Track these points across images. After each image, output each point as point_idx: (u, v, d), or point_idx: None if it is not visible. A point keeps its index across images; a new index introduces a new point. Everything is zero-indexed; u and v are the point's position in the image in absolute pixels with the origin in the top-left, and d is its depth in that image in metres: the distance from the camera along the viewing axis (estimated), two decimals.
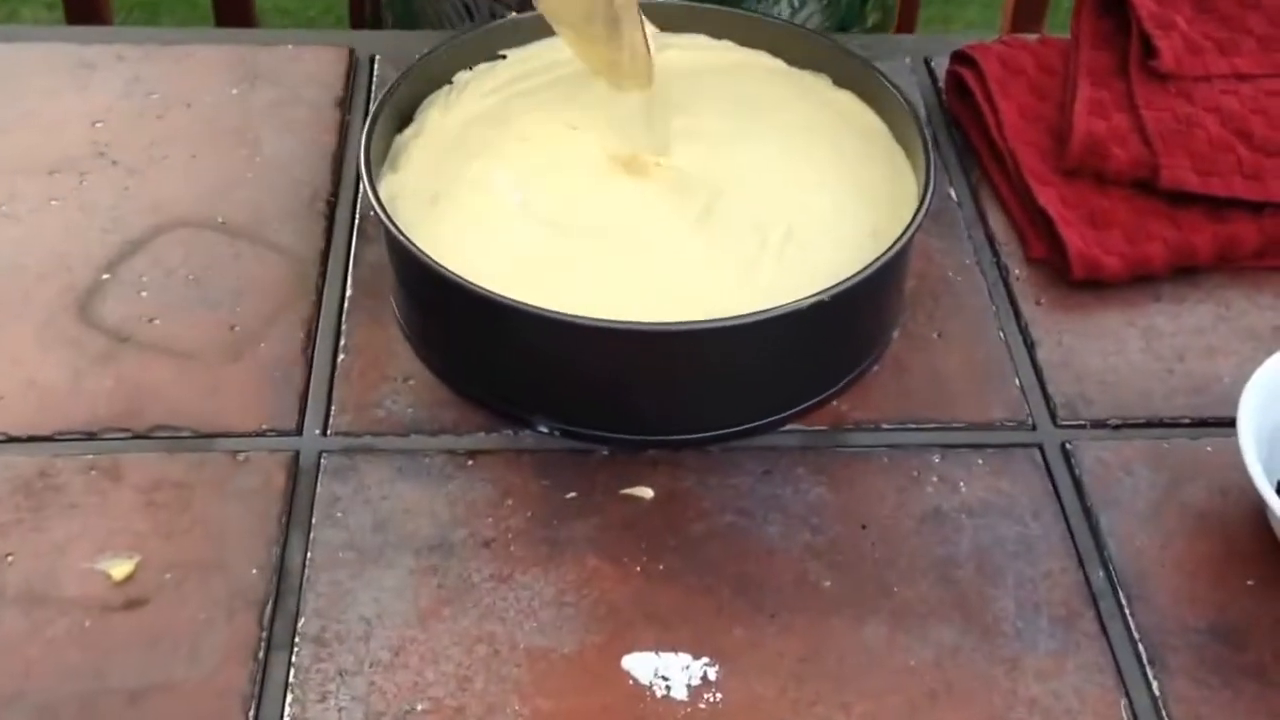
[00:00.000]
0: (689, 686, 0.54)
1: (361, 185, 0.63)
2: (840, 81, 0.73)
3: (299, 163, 0.76)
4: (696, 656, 0.55)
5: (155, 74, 0.81)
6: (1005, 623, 0.56)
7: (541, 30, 0.72)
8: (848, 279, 0.59)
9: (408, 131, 0.69)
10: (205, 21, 1.30)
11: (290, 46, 0.83)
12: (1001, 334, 0.68)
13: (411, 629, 0.55)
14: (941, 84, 0.83)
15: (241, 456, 0.61)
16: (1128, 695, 0.54)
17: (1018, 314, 0.70)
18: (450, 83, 0.72)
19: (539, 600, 0.56)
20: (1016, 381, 0.66)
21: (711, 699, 0.54)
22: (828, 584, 0.58)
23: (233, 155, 0.76)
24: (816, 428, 0.64)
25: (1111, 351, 0.68)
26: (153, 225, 0.72)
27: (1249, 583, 0.58)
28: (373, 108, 0.67)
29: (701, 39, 0.75)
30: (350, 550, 0.58)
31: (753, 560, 0.58)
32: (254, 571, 0.57)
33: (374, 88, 0.81)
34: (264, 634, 0.55)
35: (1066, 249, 0.70)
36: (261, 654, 0.54)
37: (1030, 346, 0.68)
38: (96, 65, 0.81)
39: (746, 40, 0.75)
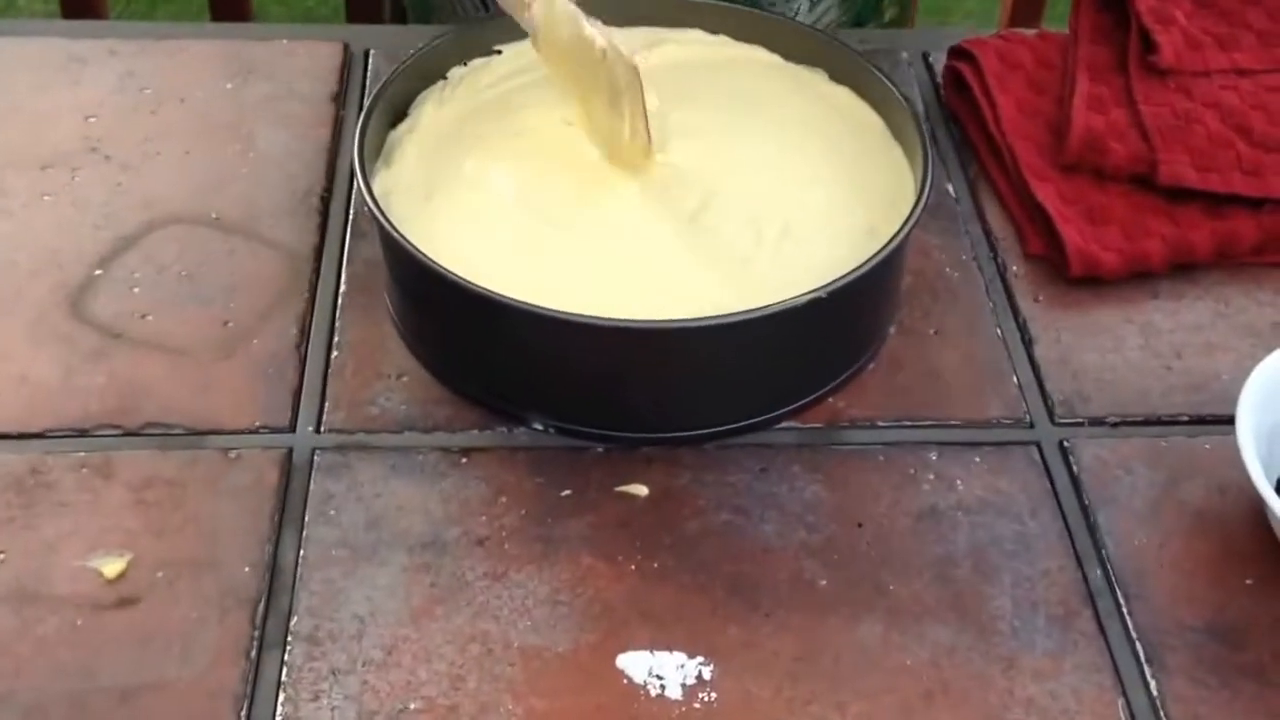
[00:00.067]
0: (683, 686, 0.54)
1: (355, 181, 0.63)
2: (837, 77, 0.72)
3: (293, 158, 0.75)
4: (691, 655, 0.55)
5: (148, 69, 0.81)
6: (1002, 622, 0.56)
7: None
8: (844, 276, 0.59)
9: (402, 127, 0.69)
10: (202, 15, 1.29)
11: (284, 41, 0.83)
12: (999, 331, 0.68)
13: (405, 627, 0.55)
14: (939, 79, 0.83)
15: (234, 454, 0.61)
16: (1125, 695, 0.54)
17: (1015, 311, 0.69)
18: (445, 78, 0.72)
19: (533, 599, 0.56)
20: (1014, 379, 0.66)
21: (706, 698, 0.53)
22: (823, 583, 0.57)
23: (226, 150, 0.76)
24: (812, 425, 0.63)
25: (1109, 349, 0.67)
26: (145, 221, 0.71)
27: (1247, 582, 0.58)
28: (367, 103, 0.67)
29: (697, 34, 0.74)
30: (343, 548, 0.58)
31: (748, 559, 0.58)
32: (246, 569, 0.57)
33: (369, 82, 0.81)
34: (256, 632, 0.55)
35: (1064, 245, 0.70)
36: (254, 653, 0.54)
37: (1028, 343, 0.68)
38: (89, 60, 0.81)
39: (743, 35, 0.74)
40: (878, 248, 0.60)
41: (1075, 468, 0.62)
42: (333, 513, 0.59)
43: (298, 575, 0.57)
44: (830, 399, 0.64)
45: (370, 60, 0.82)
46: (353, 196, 0.73)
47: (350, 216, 0.72)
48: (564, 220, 0.64)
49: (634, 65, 0.63)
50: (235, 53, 0.82)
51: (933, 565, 0.58)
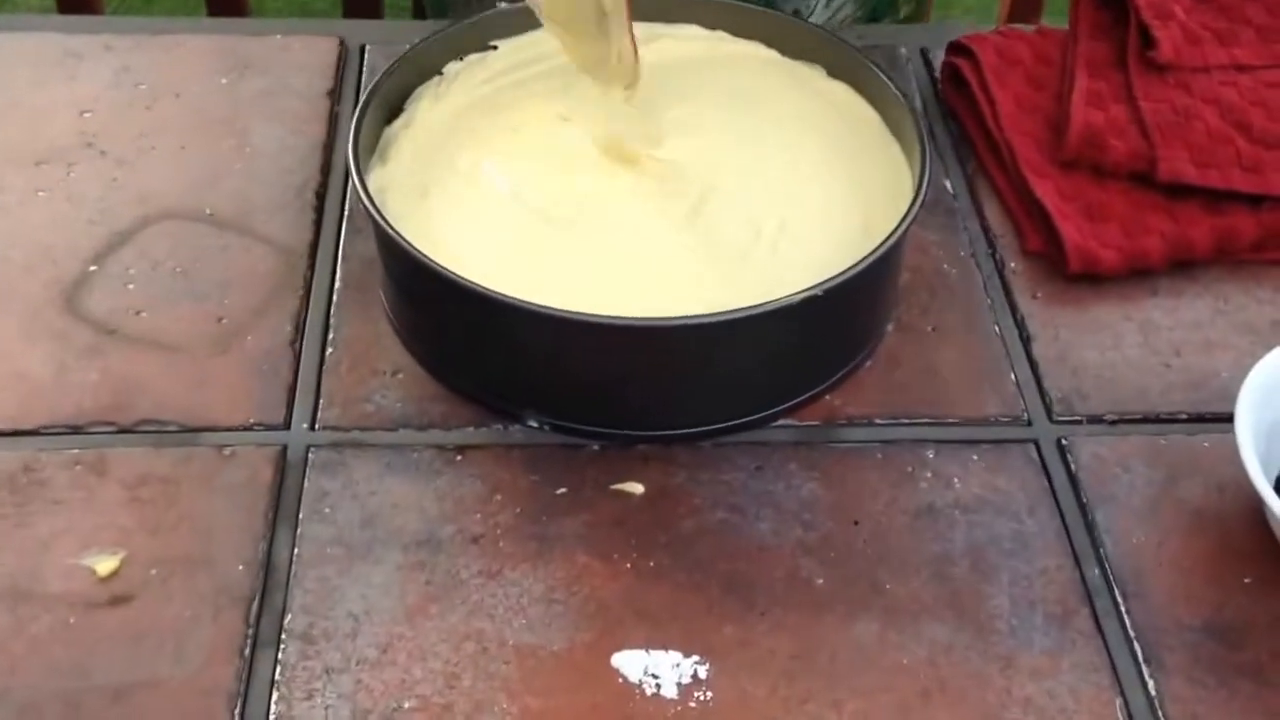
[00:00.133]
0: (679, 685, 0.53)
1: (350, 177, 0.63)
2: (835, 73, 0.72)
3: (288, 154, 0.75)
4: (687, 654, 0.54)
5: (144, 64, 0.80)
6: (999, 620, 0.56)
7: (533, 21, 0.71)
8: (841, 273, 0.58)
9: (397, 123, 0.69)
10: (198, 10, 1.29)
11: (280, 36, 0.83)
12: (997, 328, 0.68)
13: (399, 626, 0.55)
14: (938, 74, 0.82)
15: (228, 451, 0.61)
16: (1123, 694, 0.54)
17: (1013, 308, 0.69)
18: (441, 73, 0.71)
19: (528, 597, 0.56)
20: (1012, 376, 0.66)
21: (701, 697, 0.53)
22: (820, 581, 0.57)
23: (221, 146, 0.75)
24: (809, 423, 0.63)
25: (1108, 346, 0.67)
26: (140, 216, 0.71)
27: (1246, 580, 0.58)
28: (362, 98, 0.66)
29: (695, 30, 0.74)
30: (338, 546, 0.57)
31: (744, 557, 0.58)
32: (240, 567, 0.56)
33: (364, 78, 0.81)
34: (250, 631, 0.54)
35: (1063, 242, 0.69)
36: (247, 651, 0.54)
37: (1026, 341, 0.67)
38: (84, 55, 0.81)
39: (740, 31, 0.74)
40: (875, 245, 0.60)
41: (1073, 466, 0.62)
42: (327, 510, 0.59)
43: (292, 573, 0.56)
44: (827, 397, 0.64)
45: (366, 56, 0.82)
46: (348, 192, 0.73)
47: (345, 213, 0.72)
48: (560, 217, 0.64)
49: None
50: (231, 48, 0.82)
51: (930, 564, 0.58)
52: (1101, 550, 0.59)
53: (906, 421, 0.63)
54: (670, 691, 0.53)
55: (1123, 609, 0.57)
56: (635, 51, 0.64)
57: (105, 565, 0.56)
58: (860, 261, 0.59)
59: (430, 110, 0.69)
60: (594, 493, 0.60)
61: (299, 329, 0.66)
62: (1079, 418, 0.64)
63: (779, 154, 0.68)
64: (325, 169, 0.74)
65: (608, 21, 0.64)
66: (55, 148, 0.75)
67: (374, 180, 0.65)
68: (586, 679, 0.53)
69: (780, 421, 0.63)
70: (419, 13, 1.18)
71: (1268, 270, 0.71)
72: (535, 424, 0.62)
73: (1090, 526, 0.59)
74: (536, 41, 0.72)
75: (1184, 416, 0.64)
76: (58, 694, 0.52)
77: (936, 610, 0.56)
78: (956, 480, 0.61)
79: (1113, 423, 0.64)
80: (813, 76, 0.72)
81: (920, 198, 0.62)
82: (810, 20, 0.87)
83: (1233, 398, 0.57)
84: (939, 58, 0.82)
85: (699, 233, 0.63)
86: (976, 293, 0.70)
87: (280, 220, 0.71)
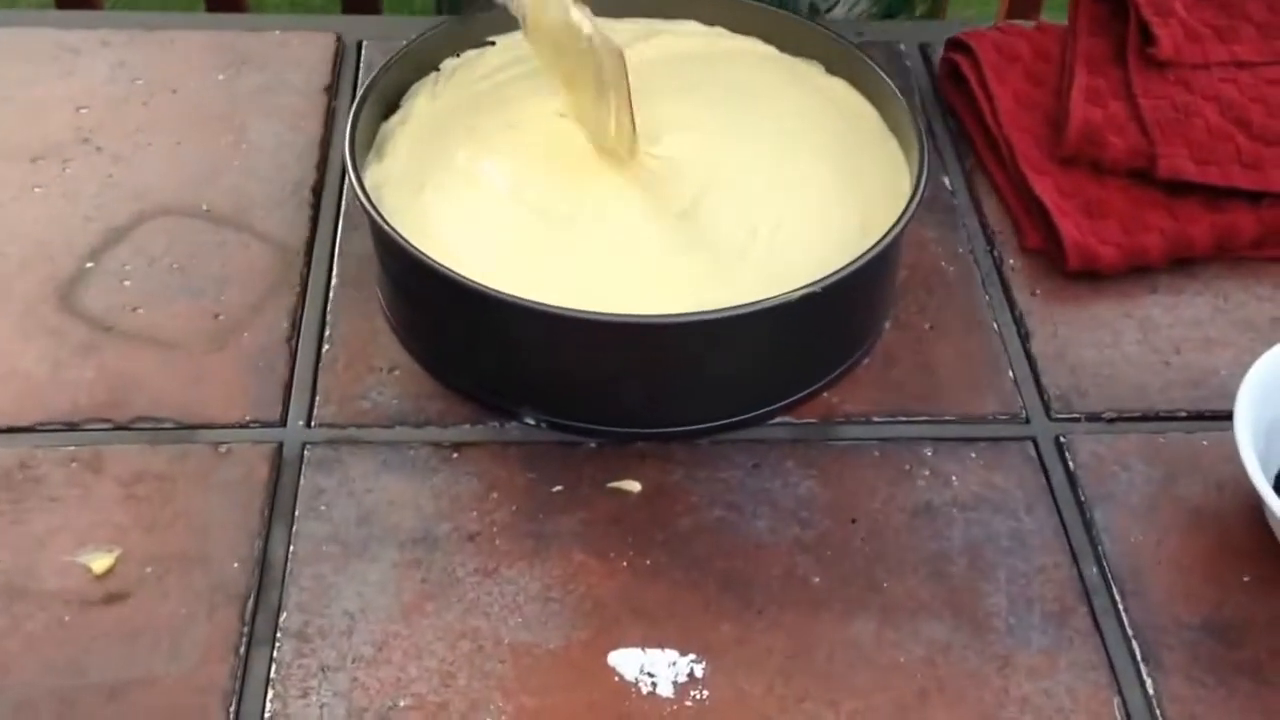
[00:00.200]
0: (675, 683, 0.53)
1: (347, 173, 0.63)
2: (833, 69, 0.72)
3: (285, 150, 0.75)
4: (683, 653, 0.54)
5: (140, 59, 0.80)
6: (997, 619, 0.56)
7: None
8: (839, 270, 0.58)
9: (394, 119, 0.69)
10: (196, 5, 1.29)
11: (277, 32, 0.83)
12: (995, 325, 0.68)
13: (395, 624, 0.55)
14: (937, 71, 0.82)
15: (224, 448, 0.61)
16: (1121, 693, 0.54)
17: (1012, 305, 0.69)
18: (437, 69, 0.71)
19: (524, 595, 0.56)
20: (1010, 374, 0.65)
21: (698, 696, 0.53)
22: (817, 579, 0.57)
23: (218, 142, 0.75)
24: (806, 421, 0.63)
25: (1107, 343, 0.67)
26: (136, 213, 0.71)
27: (1244, 579, 0.57)
28: (359, 94, 0.66)
29: (693, 25, 0.74)
30: (334, 544, 0.57)
31: (741, 555, 0.57)
32: (236, 565, 0.56)
33: (361, 74, 0.80)
34: (245, 629, 0.54)
35: (1062, 239, 0.69)
36: (243, 649, 0.54)
37: (1024, 338, 0.67)
38: (80, 50, 0.80)
39: (738, 27, 0.74)
40: (873, 242, 0.60)
41: (1072, 464, 0.62)
42: (323, 508, 0.59)
43: (288, 571, 0.56)
44: (824, 394, 0.64)
45: (363, 51, 0.82)
46: (344, 189, 0.73)
47: (342, 209, 0.72)
48: (557, 214, 0.63)
49: (620, 55, 0.62)
50: (228, 43, 0.81)
51: (927, 562, 0.58)
52: (1100, 548, 0.58)
53: (904, 419, 0.63)
54: (666, 690, 0.53)
55: (1121, 607, 0.56)
56: (634, 126, 0.64)
57: (100, 563, 0.56)
58: (858, 258, 0.59)
59: (427, 106, 0.69)
60: (591, 490, 0.59)
61: (295, 326, 0.66)
62: (1077, 415, 0.64)
63: (777, 151, 0.67)
64: (322, 165, 0.74)
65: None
66: (51, 143, 0.75)
67: (370, 176, 0.64)
68: (582, 677, 0.53)
69: (778, 419, 0.63)
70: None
71: (1267, 267, 0.71)
72: (532, 421, 0.62)
73: (1088, 525, 0.59)
74: None
75: (1183, 414, 0.64)
76: (53, 691, 0.52)
77: (934, 609, 0.56)
78: (954, 478, 0.61)
79: (1111, 420, 0.64)
80: (811, 73, 0.72)
81: (918, 194, 0.62)
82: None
83: (1232, 395, 0.57)
84: (938, 54, 0.82)
85: (696, 230, 0.63)
86: (975, 290, 0.69)
87: (277, 216, 0.71)
